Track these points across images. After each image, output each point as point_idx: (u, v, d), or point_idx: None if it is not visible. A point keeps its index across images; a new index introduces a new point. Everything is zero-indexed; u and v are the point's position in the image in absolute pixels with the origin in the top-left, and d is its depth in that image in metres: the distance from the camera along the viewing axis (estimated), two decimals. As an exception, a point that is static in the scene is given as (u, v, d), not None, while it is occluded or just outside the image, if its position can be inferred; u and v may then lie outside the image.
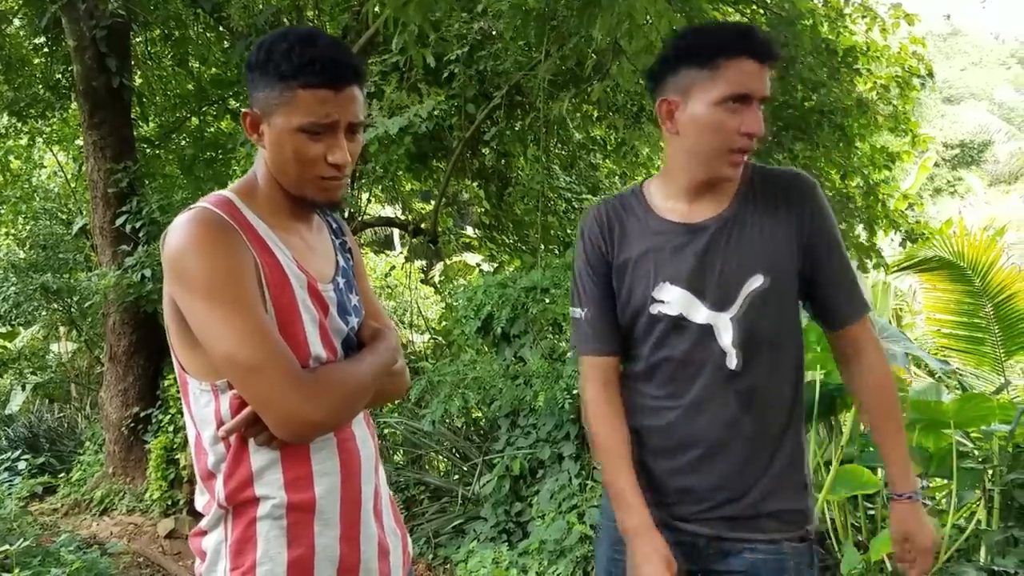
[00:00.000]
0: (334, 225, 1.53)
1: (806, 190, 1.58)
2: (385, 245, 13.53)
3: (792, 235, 1.56)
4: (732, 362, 1.55)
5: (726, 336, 1.55)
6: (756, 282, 1.54)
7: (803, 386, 1.64)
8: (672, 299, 1.58)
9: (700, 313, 1.56)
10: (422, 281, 11.38)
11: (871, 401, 1.63)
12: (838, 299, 1.61)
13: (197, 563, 1.34)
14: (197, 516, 1.35)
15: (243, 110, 1.34)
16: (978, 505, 2.98)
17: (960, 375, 5.54)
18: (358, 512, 1.35)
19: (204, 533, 1.32)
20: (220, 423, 1.27)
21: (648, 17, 2.98)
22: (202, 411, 1.29)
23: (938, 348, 7.07)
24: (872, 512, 3.49)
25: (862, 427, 3.13)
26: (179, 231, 1.24)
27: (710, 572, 1.64)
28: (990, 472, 2.96)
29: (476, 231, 9.98)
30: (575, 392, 4.48)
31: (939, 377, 3.86)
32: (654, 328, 1.60)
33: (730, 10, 5.69)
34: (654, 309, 1.59)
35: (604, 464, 1.65)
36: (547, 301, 5.04)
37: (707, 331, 1.56)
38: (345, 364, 1.34)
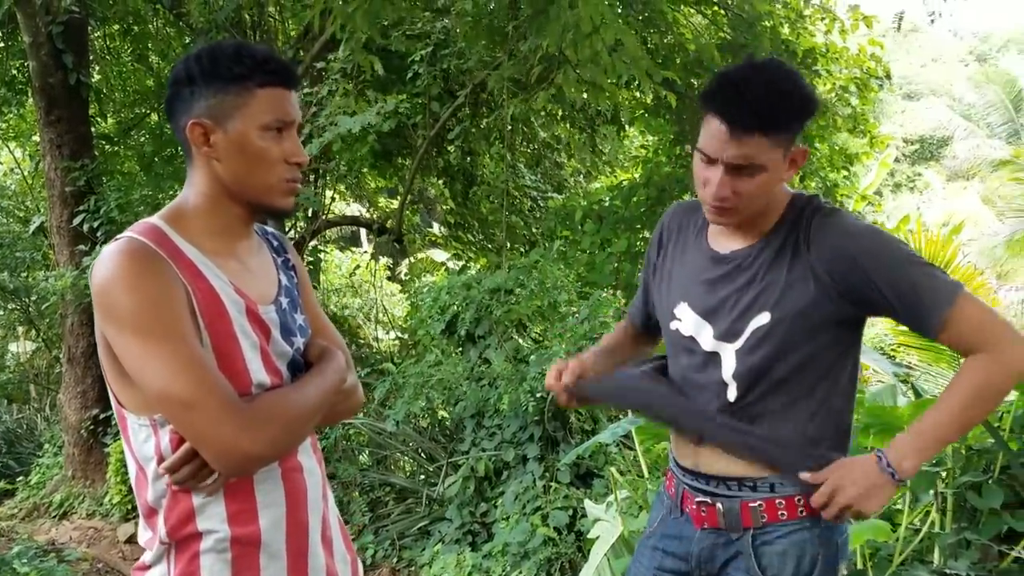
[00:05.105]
0: (275, 243, 1.48)
1: (850, 240, 1.47)
2: (351, 242, 13.43)
3: (823, 283, 1.48)
4: (731, 394, 1.55)
5: (728, 367, 1.55)
6: (763, 319, 1.51)
7: (828, 429, 1.55)
8: (687, 320, 1.61)
9: (708, 341, 1.58)
10: (388, 278, 11.32)
11: (954, 384, 1.47)
12: (910, 318, 1.49)
13: None
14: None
15: (191, 121, 1.26)
16: (932, 507, 3.02)
17: (915, 373, 5.62)
18: (305, 542, 1.32)
19: (147, 568, 1.30)
20: (161, 459, 1.23)
21: (594, 26, 2.98)
22: (142, 447, 1.25)
23: (897, 345, 7.17)
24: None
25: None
26: (105, 264, 1.19)
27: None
28: (943, 475, 3.00)
29: (442, 229, 9.95)
30: (539, 394, 4.48)
31: (899, 378, 3.91)
32: (672, 339, 1.66)
33: (691, 11, 5.72)
34: (672, 325, 1.64)
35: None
36: (512, 302, 5.04)
37: (713, 358, 1.57)
38: (287, 390, 1.29)
